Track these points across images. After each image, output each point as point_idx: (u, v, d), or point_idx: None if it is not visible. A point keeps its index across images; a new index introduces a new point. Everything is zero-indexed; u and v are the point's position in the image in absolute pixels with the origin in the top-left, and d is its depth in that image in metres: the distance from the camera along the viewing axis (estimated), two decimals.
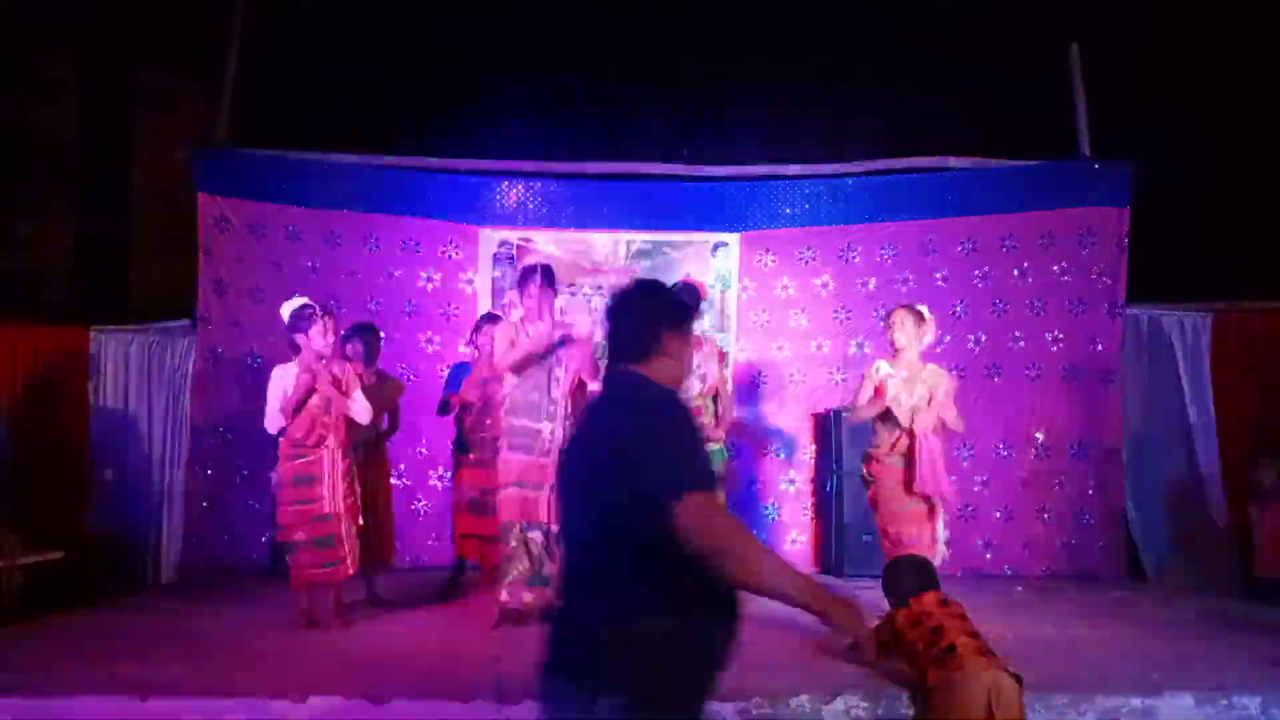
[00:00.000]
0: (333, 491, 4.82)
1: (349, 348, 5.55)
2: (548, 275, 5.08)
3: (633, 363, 2.11)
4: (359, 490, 5.02)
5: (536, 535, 4.91)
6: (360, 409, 4.95)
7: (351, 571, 4.92)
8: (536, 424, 4.93)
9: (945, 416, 4.97)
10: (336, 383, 4.90)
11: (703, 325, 6.67)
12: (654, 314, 2.16)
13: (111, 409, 6.66)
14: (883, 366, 5.13)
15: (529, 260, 5.20)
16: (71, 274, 8.62)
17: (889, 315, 5.15)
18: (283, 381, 4.88)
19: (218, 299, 6.83)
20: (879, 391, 5.12)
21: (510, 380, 5.00)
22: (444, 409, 6.01)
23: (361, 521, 5.00)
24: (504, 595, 4.87)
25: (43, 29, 8.23)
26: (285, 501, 4.84)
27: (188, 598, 5.83)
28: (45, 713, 3.46)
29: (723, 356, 5.51)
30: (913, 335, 5.04)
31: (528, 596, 4.84)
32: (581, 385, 5.18)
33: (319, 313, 4.91)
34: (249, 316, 6.83)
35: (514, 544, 4.87)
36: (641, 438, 1.90)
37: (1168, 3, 7.70)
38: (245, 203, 6.92)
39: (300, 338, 4.87)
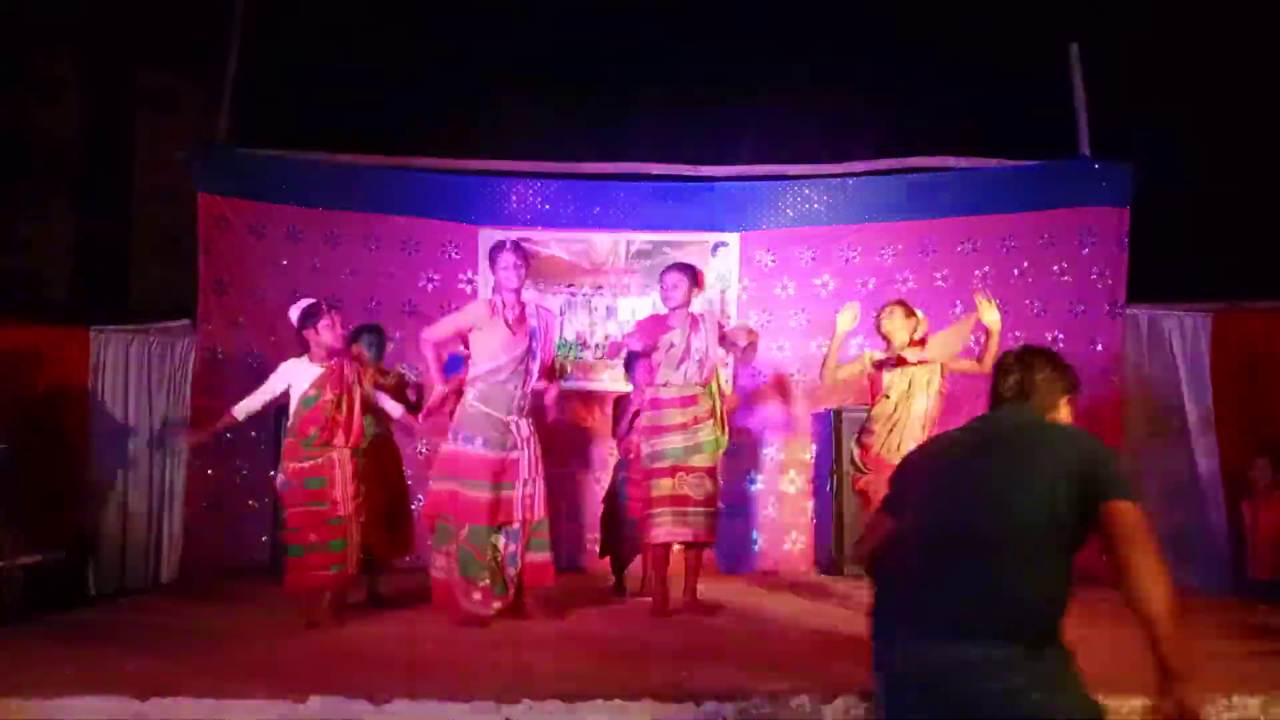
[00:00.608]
0: (344, 493, 4.80)
1: (354, 349, 5.52)
2: (518, 248, 5.06)
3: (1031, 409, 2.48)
4: (363, 490, 4.99)
5: (501, 539, 4.90)
6: (392, 406, 5.08)
7: (350, 572, 4.91)
8: (506, 417, 4.92)
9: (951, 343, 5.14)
10: (348, 386, 4.91)
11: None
12: (1061, 381, 2.51)
13: (111, 409, 6.65)
14: (874, 355, 5.21)
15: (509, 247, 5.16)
16: (71, 274, 8.61)
17: (879, 311, 5.25)
18: (289, 377, 4.85)
19: (218, 299, 6.84)
20: (874, 382, 5.19)
21: (482, 368, 4.96)
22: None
23: (362, 519, 4.97)
24: (474, 599, 4.82)
25: (43, 29, 8.22)
26: (295, 503, 4.79)
27: (188, 598, 5.83)
28: (45, 713, 3.46)
29: (722, 331, 5.40)
30: (901, 324, 5.13)
31: (496, 605, 4.84)
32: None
33: (326, 307, 4.89)
34: (249, 316, 6.84)
35: (488, 552, 4.85)
36: (1099, 453, 2.28)
37: (1168, 3, 7.70)
38: (245, 203, 6.93)
39: (310, 333, 4.84)
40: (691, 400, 5.21)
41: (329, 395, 4.80)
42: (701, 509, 5.15)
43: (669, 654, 4.26)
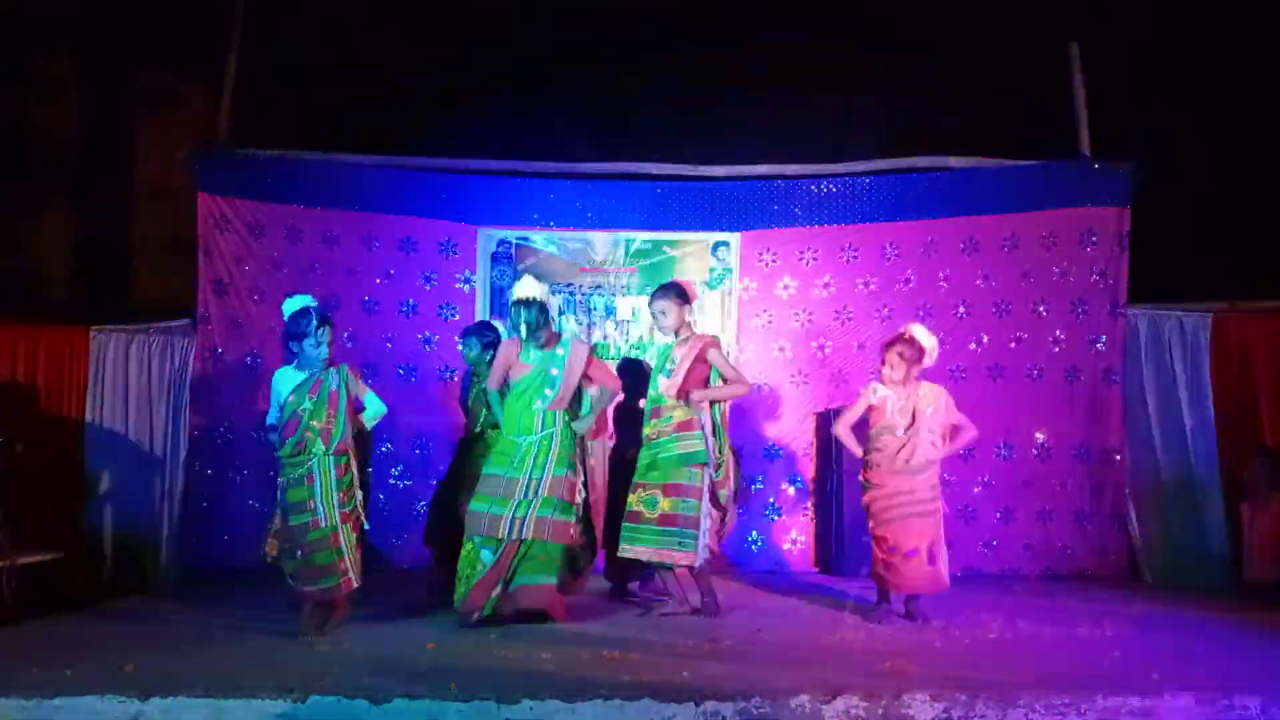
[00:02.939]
0: (327, 503, 4.63)
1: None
2: (542, 310, 5.03)
3: None
4: (360, 495, 4.84)
5: (487, 554, 4.87)
6: (377, 407, 4.90)
7: (355, 585, 4.73)
8: (519, 437, 4.92)
9: (956, 421, 5.16)
10: (329, 392, 4.74)
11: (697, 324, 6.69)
12: None
13: (111, 409, 6.65)
14: (879, 389, 5.20)
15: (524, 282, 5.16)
16: (71, 274, 8.59)
17: (883, 351, 5.21)
18: (280, 387, 4.73)
19: (218, 299, 6.84)
20: (875, 410, 5.19)
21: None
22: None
23: (368, 526, 4.88)
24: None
25: (43, 29, 8.21)
26: (284, 516, 4.68)
27: (188, 598, 5.83)
28: (45, 713, 3.46)
29: (706, 354, 5.27)
30: (903, 373, 5.11)
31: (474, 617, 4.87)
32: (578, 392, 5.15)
33: (315, 318, 4.71)
34: (249, 316, 6.84)
35: (473, 565, 4.87)
36: None
37: (1168, 3, 7.70)
38: (245, 202, 6.94)
39: (294, 343, 4.71)
40: (655, 413, 5.19)
41: (306, 404, 4.66)
42: (654, 527, 5.06)
43: (669, 654, 4.26)
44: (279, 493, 4.73)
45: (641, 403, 5.48)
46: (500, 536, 4.80)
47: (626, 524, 5.14)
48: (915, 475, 5.06)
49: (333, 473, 4.67)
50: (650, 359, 5.51)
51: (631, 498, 5.15)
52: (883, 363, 5.18)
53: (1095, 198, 6.97)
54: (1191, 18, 7.60)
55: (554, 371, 4.97)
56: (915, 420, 5.07)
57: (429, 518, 5.92)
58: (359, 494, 4.83)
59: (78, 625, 5.03)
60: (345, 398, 4.77)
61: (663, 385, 5.17)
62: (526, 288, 5.05)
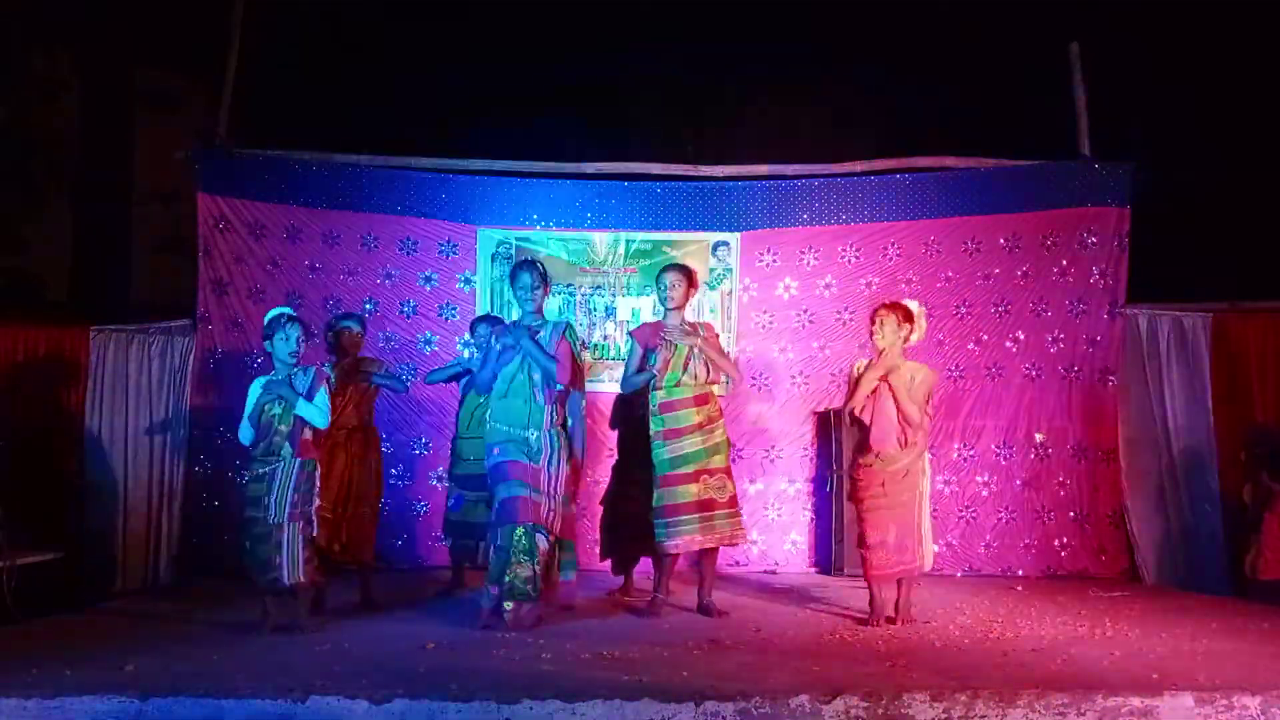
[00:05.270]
0: (280, 500, 4.66)
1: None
2: (537, 269, 5.03)
3: None
4: (318, 500, 4.85)
5: (540, 539, 4.83)
6: (315, 412, 4.76)
7: (290, 581, 4.66)
8: (525, 431, 4.88)
9: (904, 405, 5.00)
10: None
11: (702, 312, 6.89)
12: None
13: (111, 408, 6.65)
14: (864, 365, 5.18)
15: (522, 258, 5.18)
16: (71, 274, 8.61)
17: (872, 314, 5.20)
18: (255, 395, 4.78)
19: (218, 299, 6.84)
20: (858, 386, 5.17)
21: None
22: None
23: (316, 532, 4.82)
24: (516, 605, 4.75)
25: (43, 29, 8.23)
26: (241, 511, 4.76)
27: (187, 598, 5.83)
28: (45, 713, 3.46)
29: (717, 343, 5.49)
30: (894, 335, 5.07)
31: (508, 606, 4.76)
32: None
33: (284, 320, 4.78)
34: (249, 316, 6.84)
35: (524, 550, 4.78)
36: None
37: (1168, 3, 7.71)
38: (245, 203, 6.94)
39: (267, 343, 4.82)
40: (705, 399, 5.22)
41: (275, 408, 4.72)
42: (725, 511, 5.18)
43: (669, 654, 4.26)
44: (244, 485, 4.78)
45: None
46: (553, 528, 4.83)
47: (699, 514, 5.12)
48: (886, 467, 5.05)
49: (295, 476, 4.71)
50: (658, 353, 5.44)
51: (695, 486, 5.13)
52: (870, 329, 5.17)
53: (1095, 198, 6.96)
54: (1191, 18, 7.61)
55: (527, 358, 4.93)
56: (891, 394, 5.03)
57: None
58: (317, 500, 4.84)
59: (78, 625, 5.02)
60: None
61: (704, 375, 5.26)
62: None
